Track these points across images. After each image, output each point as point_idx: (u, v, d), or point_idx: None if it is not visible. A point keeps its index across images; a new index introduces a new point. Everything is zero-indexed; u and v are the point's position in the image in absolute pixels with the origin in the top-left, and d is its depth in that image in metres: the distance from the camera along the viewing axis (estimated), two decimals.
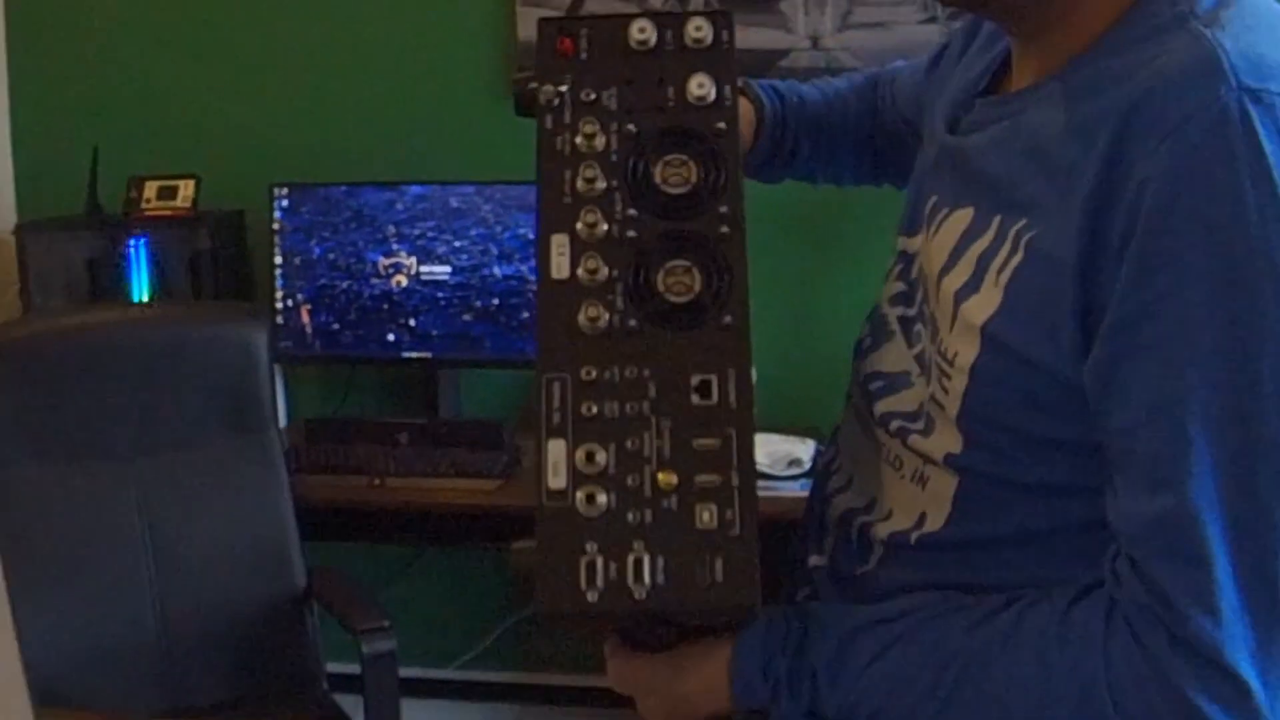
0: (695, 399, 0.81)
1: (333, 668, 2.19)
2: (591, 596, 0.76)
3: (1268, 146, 0.69)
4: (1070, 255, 0.74)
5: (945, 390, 0.85)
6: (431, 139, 2.78)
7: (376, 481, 2.33)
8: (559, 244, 0.84)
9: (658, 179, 0.85)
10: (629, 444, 0.80)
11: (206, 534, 2.07)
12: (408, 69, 2.82)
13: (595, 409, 0.81)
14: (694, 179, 0.85)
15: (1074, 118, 0.79)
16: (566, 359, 0.83)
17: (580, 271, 0.83)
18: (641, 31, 0.87)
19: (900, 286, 0.97)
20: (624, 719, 2.83)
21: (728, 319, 0.82)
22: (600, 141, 0.86)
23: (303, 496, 2.16)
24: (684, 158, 0.86)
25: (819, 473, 1.06)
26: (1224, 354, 0.70)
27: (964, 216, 0.86)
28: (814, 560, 0.99)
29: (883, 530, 0.91)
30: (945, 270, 0.86)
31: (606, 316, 0.82)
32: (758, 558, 0.79)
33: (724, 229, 0.84)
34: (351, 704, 2.06)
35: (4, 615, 0.85)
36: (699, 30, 0.86)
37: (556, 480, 0.79)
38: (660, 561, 0.78)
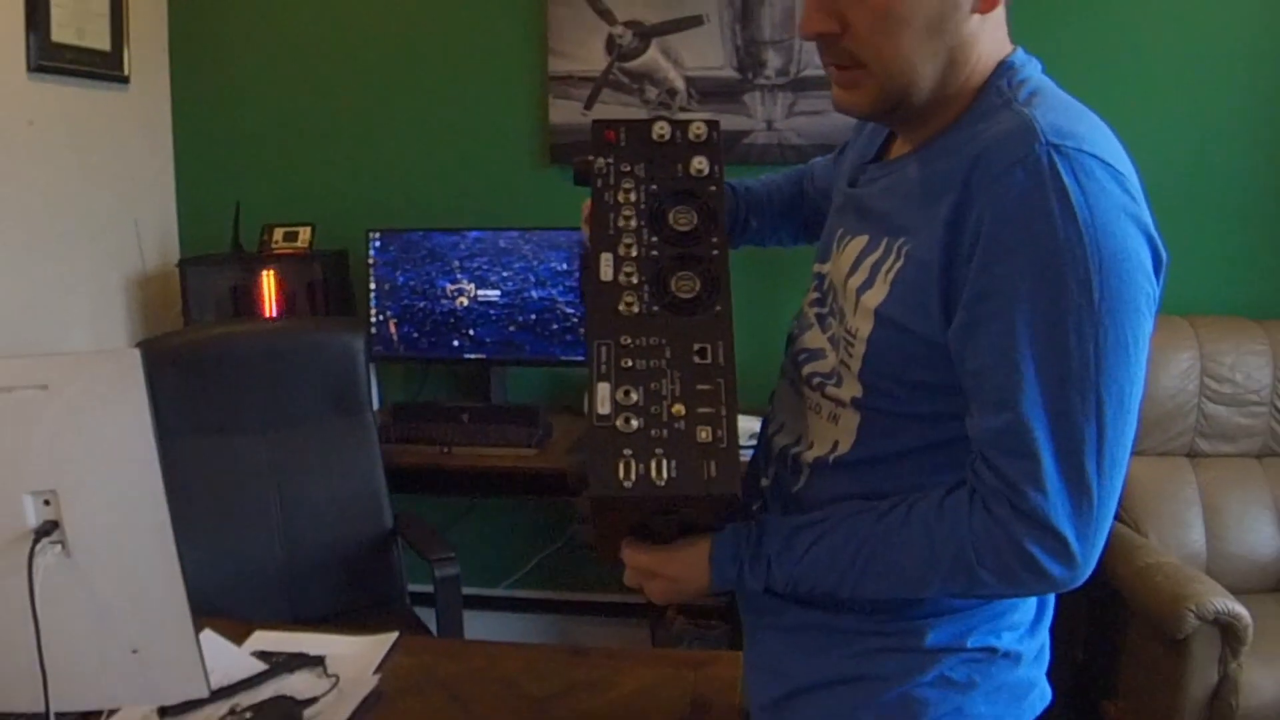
0: (696, 359, 0.95)
1: (412, 588, 2.32)
2: (627, 485, 0.90)
3: (1068, 182, 0.81)
4: (935, 259, 0.88)
5: (851, 355, 0.97)
6: (485, 196, 3.02)
7: (444, 450, 2.56)
8: (606, 259, 1.00)
9: (671, 221, 1.01)
10: (652, 386, 0.94)
11: (319, 488, 2.22)
12: (468, 144, 3.04)
13: (630, 363, 0.95)
14: (695, 223, 1.01)
15: (935, 172, 0.92)
16: (610, 330, 0.96)
17: (620, 276, 0.98)
18: (661, 129, 1.05)
19: (816, 295, 1.10)
20: (627, 626, 3.14)
21: (717, 309, 0.97)
22: (633, 196, 1.02)
23: (390, 460, 2.32)
24: (688, 209, 1.01)
25: (763, 423, 1.17)
26: (1042, 319, 0.82)
27: (862, 240, 1.00)
28: (763, 482, 1.11)
29: (808, 457, 1.04)
30: (849, 275, 1.00)
31: (638, 305, 0.97)
32: (739, 461, 0.92)
33: (714, 253, 1.00)
34: (426, 615, 2.22)
35: (170, 548, 0.94)
36: (699, 130, 1.05)
37: (604, 409, 0.93)
38: (673, 463, 0.91)
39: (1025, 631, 1.03)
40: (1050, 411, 0.83)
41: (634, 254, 0.99)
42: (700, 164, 1.03)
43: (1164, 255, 0.87)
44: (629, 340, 0.95)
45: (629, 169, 1.03)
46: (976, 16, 0.90)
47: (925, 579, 0.91)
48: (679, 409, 0.92)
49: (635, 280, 0.98)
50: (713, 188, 1.02)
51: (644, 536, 1.01)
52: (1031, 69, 0.95)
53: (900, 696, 0.98)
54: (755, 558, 0.98)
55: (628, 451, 0.90)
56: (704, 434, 0.91)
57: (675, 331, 0.96)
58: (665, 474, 0.90)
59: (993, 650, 0.99)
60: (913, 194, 0.94)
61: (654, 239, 1.00)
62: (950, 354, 0.89)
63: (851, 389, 0.97)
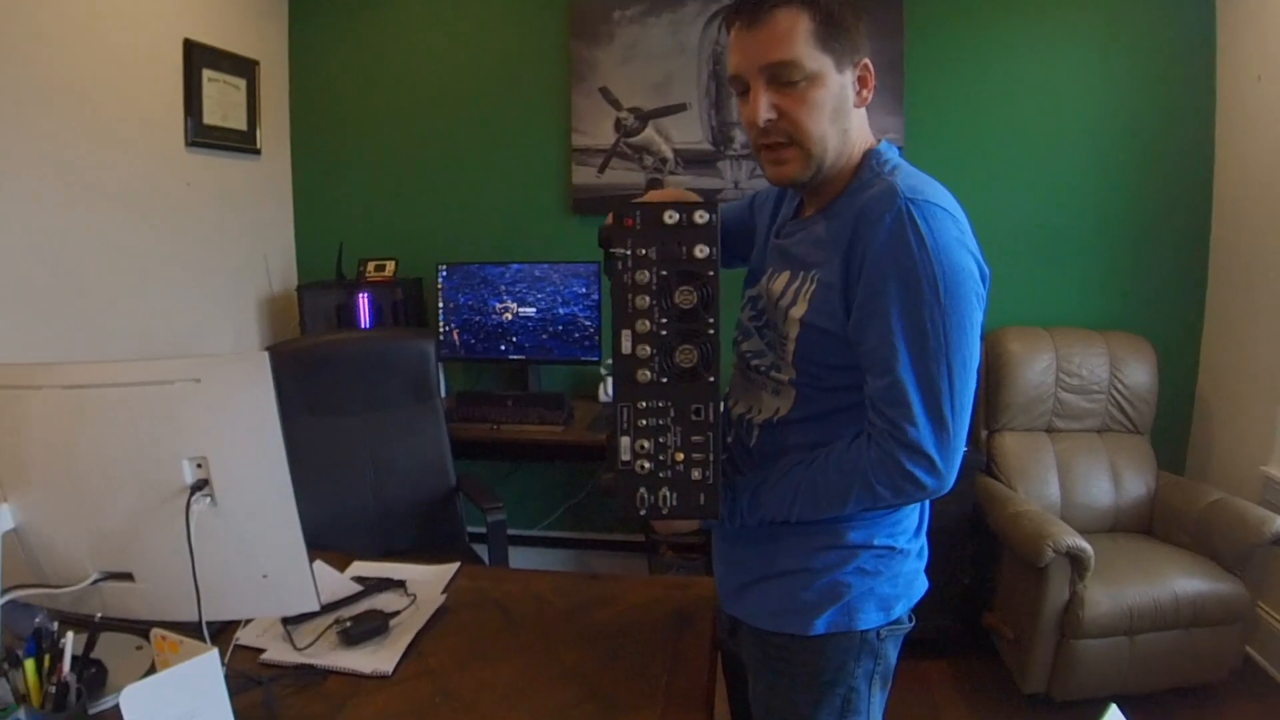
0: (693, 417, 0.96)
1: (470, 529, 2.30)
2: (642, 511, 0.96)
3: (920, 222, 0.90)
4: (837, 281, 0.95)
5: (784, 351, 1.02)
6: (524, 238, 3.03)
7: (494, 426, 2.59)
8: (626, 335, 0.97)
9: (676, 300, 0.96)
10: (660, 439, 0.96)
11: (401, 455, 2.21)
12: (511, 198, 3.05)
13: (644, 421, 0.96)
14: (695, 302, 0.96)
15: (832, 226, 0.99)
16: (630, 396, 0.97)
17: (636, 350, 0.96)
18: (670, 216, 0.96)
19: (752, 312, 1.12)
20: (629, 557, 3.16)
21: (710, 378, 0.96)
22: (646, 279, 0.96)
23: (453, 434, 2.31)
24: (690, 289, 0.96)
25: (724, 399, 1.15)
26: (908, 313, 0.90)
27: (785, 275, 1.04)
28: (728, 439, 1.14)
29: (758, 419, 1.08)
30: (779, 298, 1.03)
31: (650, 375, 0.97)
32: (719, 493, 0.97)
33: (710, 330, 0.96)
34: (480, 550, 2.22)
35: (290, 499, 0.94)
36: (702, 218, 0.96)
37: (625, 456, 0.96)
38: (674, 495, 0.96)
39: (911, 534, 1.08)
40: (917, 374, 0.91)
41: (646, 330, 0.97)
42: (702, 251, 0.96)
43: (987, 270, 0.95)
44: (643, 404, 0.97)
45: (644, 253, 0.97)
46: (858, 110, 1.00)
47: (844, 499, 0.97)
48: (679, 456, 0.96)
49: (648, 353, 0.97)
50: (710, 272, 0.96)
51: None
52: (891, 154, 1.01)
53: (830, 582, 1.02)
54: (732, 514, 1.04)
55: (642, 489, 0.96)
56: (696, 474, 0.96)
57: (677, 395, 0.97)
58: (669, 503, 0.96)
59: (892, 548, 1.04)
60: (820, 241, 0.99)
61: (663, 319, 0.97)
62: (848, 342, 0.95)
63: (788, 373, 1.02)
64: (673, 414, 0.96)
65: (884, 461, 0.93)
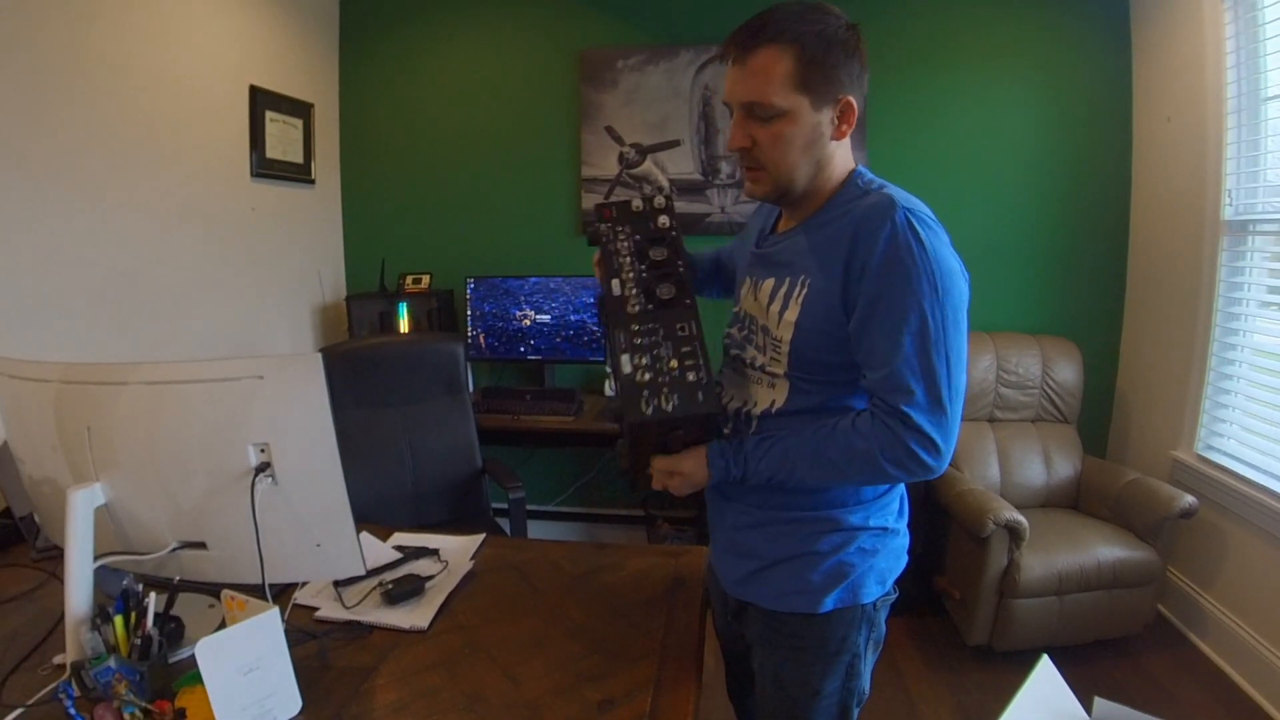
0: (679, 332, 0.95)
1: (495, 505, 2.28)
2: (648, 413, 0.91)
3: (918, 229, 0.86)
4: (835, 288, 0.90)
5: (779, 353, 0.97)
6: (540, 255, 3.01)
7: (515, 417, 2.58)
8: (615, 283, 1.00)
9: (651, 256, 1.00)
10: (655, 352, 0.94)
11: (435, 441, 2.19)
12: (530, 221, 3.03)
13: (639, 340, 0.94)
14: (665, 255, 1.00)
15: (823, 237, 0.93)
16: (624, 322, 0.96)
17: (625, 291, 0.98)
18: (636, 205, 1.04)
19: (739, 324, 1.07)
20: (631, 529, 3.14)
21: (687, 302, 0.97)
22: (625, 246, 1.01)
23: (480, 424, 2.29)
24: (661, 247, 1.00)
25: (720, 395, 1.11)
26: (913, 309, 0.85)
27: (771, 281, 0.99)
28: (725, 431, 1.06)
29: (756, 411, 1.01)
30: (769, 304, 0.98)
31: (639, 306, 0.97)
32: (716, 389, 0.92)
33: (680, 270, 0.99)
34: (503, 522, 2.17)
35: (340, 479, 0.93)
36: (659, 202, 1.04)
37: (627, 369, 0.93)
38: (676, 395, 0.91)
39: (897, 515, 1.03)
40: (920, 363, 0.86)
41: (631, 277, 0.99)
42: (664, 220, 1.02)
43: (968, 274, 0.91)
44: (636, 326, 0.95)
45: (621, 229, 1.02)
46: (834, 142, 0.94)
47: (846, 470, 0.91)
48: (674, 364, 0.92)
49: (635, 292, 0.98)
50: (673, 233, 1.01)
51: (664, 451, 1.00)
52: (871, 175, 0.97)
53: (836, 563, 0.98)
54: (737, 455, 0.97)
55: (646, 394, 0.91)
56: (691, 376, 0.92)
57: (664, 319, 0.96)
58: (671, 403, 0.91)
59: (885, 528, 1.00)
60: (805, 251, 0.95)
61: (642, 268, 0.99)
62: (846, 341, 0.90)
63: (783, 367, 0.97)
64: (663, 332, 0.94)
65: (890, 440, 0.88)
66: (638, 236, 1.01)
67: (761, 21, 0.90)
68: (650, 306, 0.96)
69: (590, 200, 2.95)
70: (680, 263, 0.99)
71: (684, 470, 0.99)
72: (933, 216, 0.90)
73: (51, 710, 0.88)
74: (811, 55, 0.89)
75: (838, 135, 0.93)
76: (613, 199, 1.07)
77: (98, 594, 0.94)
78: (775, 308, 0.97)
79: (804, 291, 0.93)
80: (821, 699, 1.00)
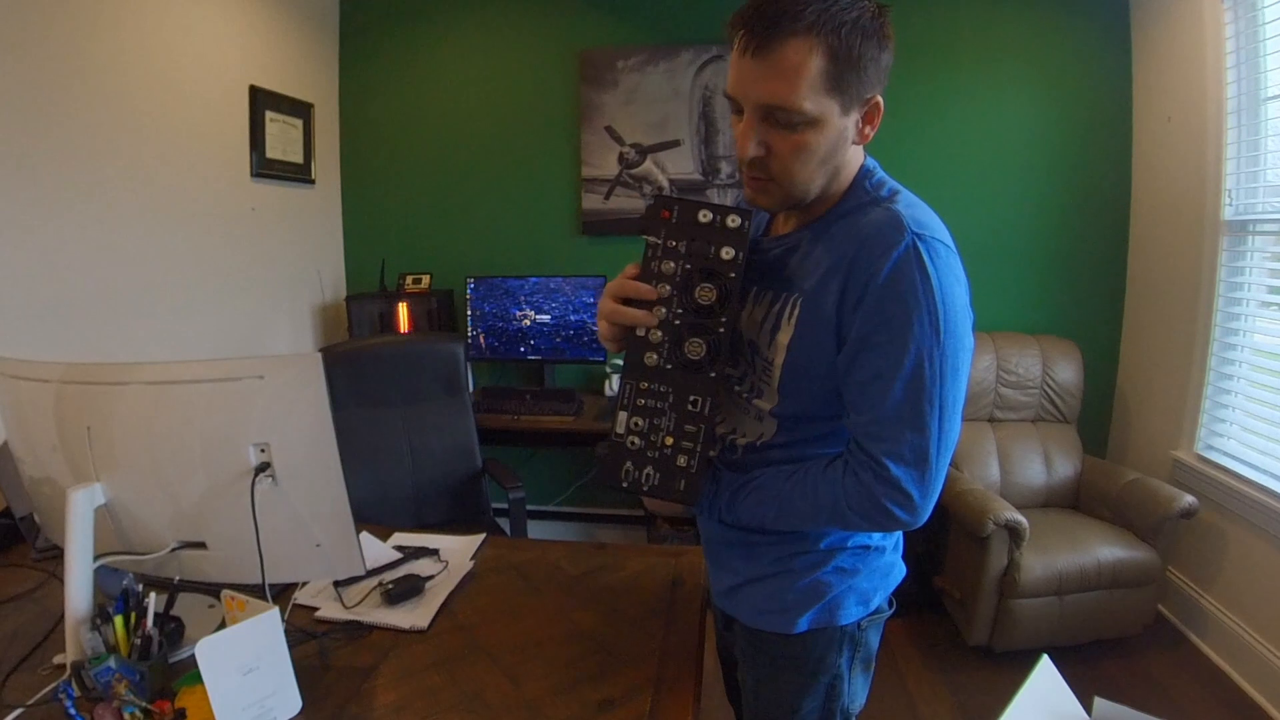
0: (689, 407, 0.86)
1: (494, 505, 2.28)
2: (626, 483, 0.87)
3: (926, 261, 0.75)
4: (830, 310, 0.80)
5: (769, 377, 0.88)
6: (540, 255, 3.01)
7: (515, 417, 2.57)
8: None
9: (696, 295, 0.85)
10: (654, 420, 0.87)
11: (435, 441, 2.18)
12: (530, 221, 3.02)
13: (643, 401, 0.87)
14: (714, 298, 0.85)
15: (815, 249, 0.84)
16: (635, 376, 0.87)
17: (649, 334, 0.87)
18: (704, 215, 0.85)
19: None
20: (631, 529, 3.14)
21: (713, 374, 0.86)
22: (671, 270, 0.86)
23: (480, 424, 2.27)
24: (711, 286, 0.85)
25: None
26: (908, 351, 0.76)
27: (768, 296, 0.89)
28: (711, 454, 1.01)
29: (742, 441, 0.95)
30: (762, 322, 0.88)
31: (657, 360, 0.87)
32: (700, 483, 0.87)
33: (721, 329, 0.85)
34: (503, 522, 2.18)
35: (340, 479, 0.92)
36: (734, 222, 0.84)
37: (619, 429, 0.88)
38: (657, 475, 0.87)
39: (881, 532, 0.99)
40: (909, 411, 0.78)
41: (662, 317, 0.86)
42: (728, 253, 0.84)
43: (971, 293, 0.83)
44: (646, 385, 0.87)
45: (674, 245, 0.85)
46: (855, 146, 0.84)
47: (815, 518, 0.87)
48: (669, 440, 0.86)
49: (659, 338, 0.86)
50: (732, 274, 0.84)
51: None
52: (880, 171, 0.87)
53: (811, 583, 0.94)
54: (713, 498, 0.95)
55: (629, 464, 0.87)
56: (681, 460, 0.87)
57: (679, 383, 0.86)
58: (650, 482, 0.87)
59: (866, 546, 0.95)
60: (801, 262, 0.85)
61: (679, 310, 0.85)
62: (836, 370, 0.82)
63: (771, 400, 0.88)
64: (671, 400, 0.85)
65: (861, 494, 0.81)
66: (689, 265, 0.85)
67: (781, 5, 0.74)
68: (669, 367, 0.86)
69: (591, 201, 2.94)
70: (725, 319, 0.84)
71: (655, 507, 1.00)
72: (947, 238, 0.79)
73: (51, 710, 0.88)
74: (847, 50, 0.74)
75: (861, 139, 0.82)
76: (686, 196, 0.90)
77: (98, 594, 0.94)
78: (768, 326, 0.87)
79: (796, 310, 0.84)
80: (800, 716, 0.97)
